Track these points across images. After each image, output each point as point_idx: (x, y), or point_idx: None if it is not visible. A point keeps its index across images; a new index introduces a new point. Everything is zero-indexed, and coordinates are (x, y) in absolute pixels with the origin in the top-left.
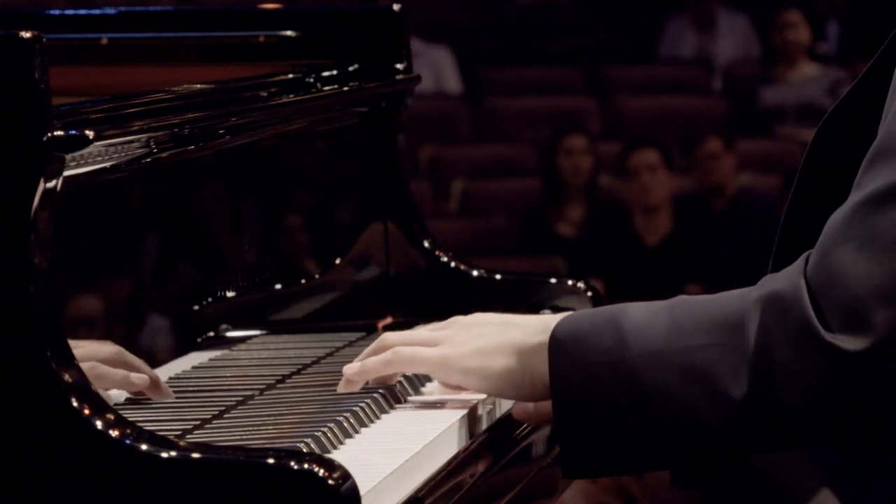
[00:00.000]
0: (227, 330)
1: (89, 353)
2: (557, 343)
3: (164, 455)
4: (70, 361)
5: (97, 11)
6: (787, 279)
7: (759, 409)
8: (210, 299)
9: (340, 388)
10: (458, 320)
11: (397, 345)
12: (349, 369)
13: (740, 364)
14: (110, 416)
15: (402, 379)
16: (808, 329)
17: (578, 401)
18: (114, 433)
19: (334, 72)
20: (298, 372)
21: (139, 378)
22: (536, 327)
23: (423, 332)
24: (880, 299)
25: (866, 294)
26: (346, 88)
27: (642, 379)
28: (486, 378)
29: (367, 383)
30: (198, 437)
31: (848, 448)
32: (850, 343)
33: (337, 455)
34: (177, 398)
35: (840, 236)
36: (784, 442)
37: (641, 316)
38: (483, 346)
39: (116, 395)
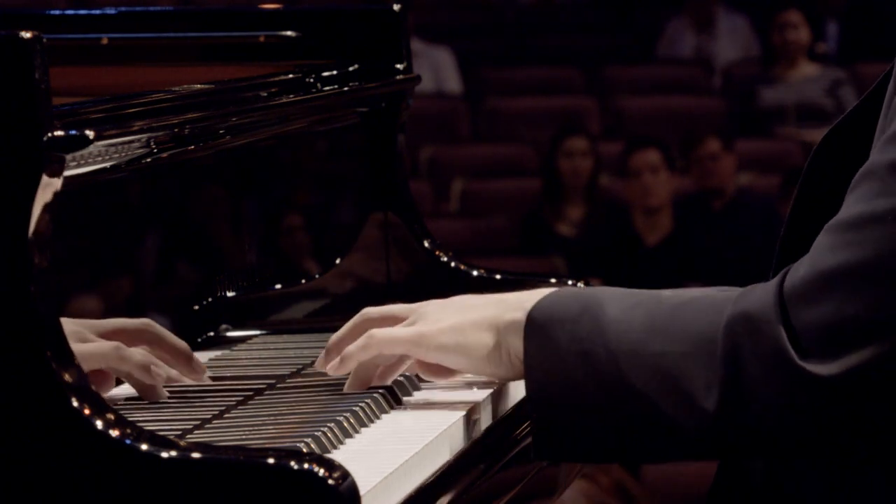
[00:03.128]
0: (227, 330)
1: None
2: (533, 324)
3: (164, 455)
4: (70, 361)
5: (97, 11)
6: (763, 298)
7: (728, 423)
8: (210, 299)
9: (348, 388)
10: (435, 301)
11: (375, 319)
12: (330, 368)
13: (713, 378)
14: (110, 416)
15: (401, 378)
16: (780, 351)
17: (550, 385)
18: (114, 433)
19: (334, 72)
20: (298, 372)
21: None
22: (513, 304)
23: (401, 305)
24: (852, 328)
25: (839, 322)
26: (346, 88)
27: (615, 374)
28: (464, 355)
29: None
30: (198, 437)
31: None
32: (820, 368)
33: (337, 455)
34: (177, 398)
35: (818, 260)
36: (752, 455)
37: (618, 310)
38: (460, 323)
39: (117, 392)
